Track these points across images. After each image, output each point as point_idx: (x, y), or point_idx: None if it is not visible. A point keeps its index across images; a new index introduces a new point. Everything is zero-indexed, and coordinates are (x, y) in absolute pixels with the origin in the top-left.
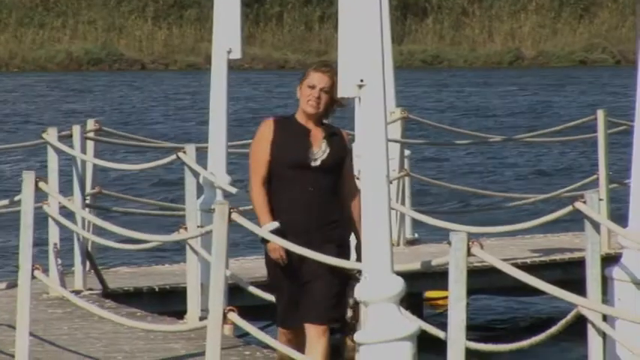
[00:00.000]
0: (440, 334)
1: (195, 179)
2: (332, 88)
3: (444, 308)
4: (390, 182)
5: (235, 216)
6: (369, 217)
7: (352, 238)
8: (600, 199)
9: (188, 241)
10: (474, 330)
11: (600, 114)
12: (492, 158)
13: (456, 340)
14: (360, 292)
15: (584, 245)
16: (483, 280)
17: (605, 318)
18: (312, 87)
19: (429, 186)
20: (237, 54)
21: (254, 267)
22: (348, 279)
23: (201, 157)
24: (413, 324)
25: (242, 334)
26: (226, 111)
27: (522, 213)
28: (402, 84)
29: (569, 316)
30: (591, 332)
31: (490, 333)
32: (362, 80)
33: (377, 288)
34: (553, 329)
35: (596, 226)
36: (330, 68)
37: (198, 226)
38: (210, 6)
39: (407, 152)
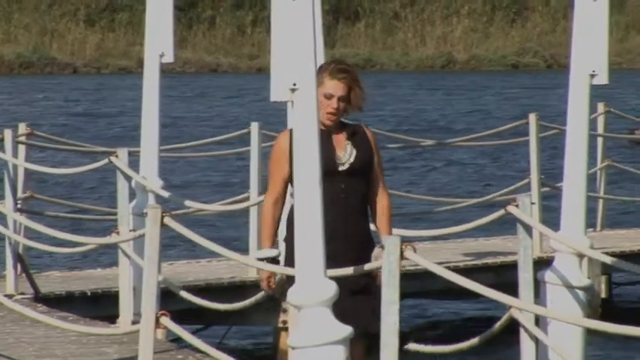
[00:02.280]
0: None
1: (128, 183)
2: (350, 93)
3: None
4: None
5: (168, 220)
6: (303, 220)
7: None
8: (532, 203)
9: (120, 245)
10: (408, 333)
11: (532, 118)
12: (425, 162)
13: (389, 343)
14: (292, 296)
15: (517, 249)
16: (417, 284)
17: (537, 322)
18: (329, 97)
19: None
20: (169, 58)
21: (186, 271)
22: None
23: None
24: (346, 327)
25: (175, 339)
26: (159, 115)
27: (456, 217)
28: None
29: (502, 319)
30: (524, 335)
31: (423, 336)
32: (295, 84)
33: (310, 292)
34: (488, 332)
35: (529, 229)
36: (346, 74)
37: (130, 230)
38: (142, 10)
39: None
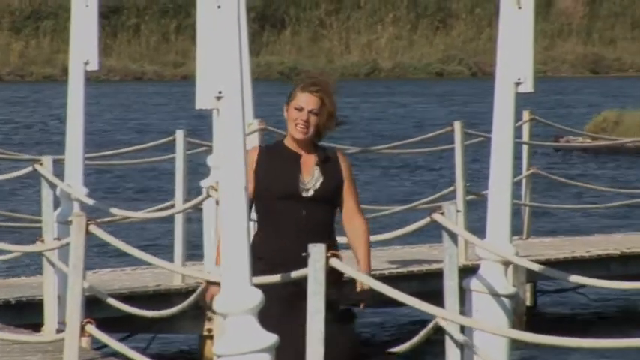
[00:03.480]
0: None
1: (53, 191)
2: (322, 109)
3: None
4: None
5: (93, 228)
6: (228, 228)
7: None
8: (458, 211)
9: (45, 253)
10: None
11: (457, 125)
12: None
13: (315, 351)
14: (217, 304)
15: (442, 256)
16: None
17: (463, 329)
18: (300, 109)
19: None
20: (94, 65)
21: (112, 279)
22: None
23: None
24: (271, 335)
25: (100, 346)
26: (83, 122)
27: (381, 224)
28: (260, 95)
29: (427, 328)
30: (449, 343)
31: None
32: (220, 92)
33: (235, 300)
34: (413, 341)
35: (454, 237)
36: (318, 87)
37: (55, 238)
38: (67, 17)
39: None
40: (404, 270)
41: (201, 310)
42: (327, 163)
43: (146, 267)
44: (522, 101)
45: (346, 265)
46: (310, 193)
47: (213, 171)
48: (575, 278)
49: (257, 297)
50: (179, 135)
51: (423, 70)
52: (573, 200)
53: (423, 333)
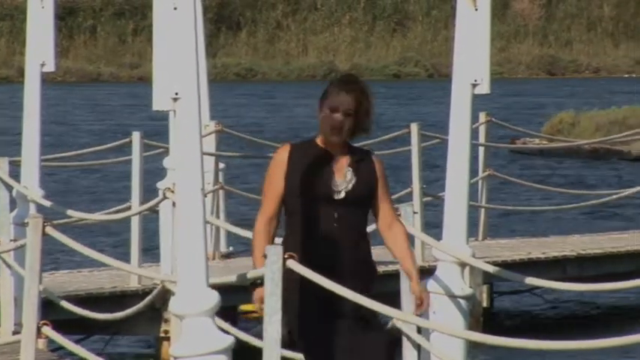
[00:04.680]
0: (257, 343)
1: (9, 192)
2: (358, 109)
3: (259, 321)
4: (205, 195)
5: (49, 229)
6: (184, 230)
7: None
8: (415, 212)
9: (1, 254)
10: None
11: (414, 127)
12: None
13: (271, 353)
14: (173, 305)
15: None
16: None
17: (419, 330)
18: (335, 109)
19: (245, 199)
20: (50, 67)
21: (68, 280)
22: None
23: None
24: (228, 337)
25: (56, 348)
26: (39, 124)
27: None
28: (216, 97)
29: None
30: (406, 345)
31: None
32: (177, 93)
33: (192, 301)
34: None
35: (411, 238)
36: (354, 86)
37: (11, 240)
38: (23, 19)
39: (221, 165)
40: None
41: (157, 312)
42: (361, 163)
43: (103, 269)
44: (479, 103)
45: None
46: (342, 194)
47: (169, 172)
48: (532, 280)
49: (213, 298)
50: (135, 137)
51: (379, 72)
52: (530, 202)
53: None
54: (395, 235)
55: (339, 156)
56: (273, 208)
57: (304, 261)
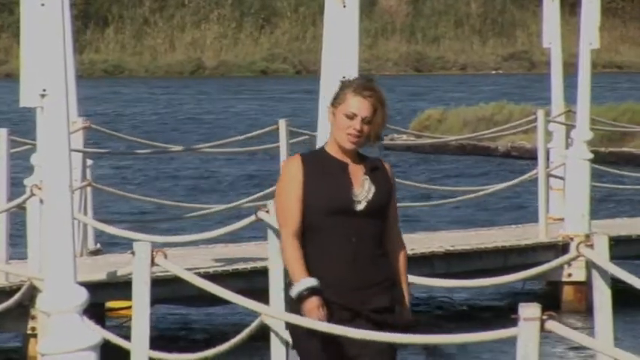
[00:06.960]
0: (124, 343)
1: None
2: (374, 116)
3: (127, 318)
4: (72, 192)
5: None
6: (52, 227)
7: None
8: None
9: None
10: (158, 340)
11: (282, 124)
12: (173, 168)
13: (139, 350)
14: (41, 302)
15: (268, 254)
16: (168, 290)
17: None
18: (352, 116)
19: (112, 196)
20: None
21: None
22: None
23: None
24: (96, 334)
25: None
26: None
27: (205, 223)
28: (83, 94)
29: (252, 325)
30: (274, 340)
31: (174, 343)
32: (44, 90)
33: (59, 298)
34: (237, 338)
35: (279, 234)
36: (372, 91)
37: None
38: None
39: (89, 162)
40: (229, 268)
41: (25, 309)
42: (376, 171)
43: None
44: None
45: (171, 264)
46: (363, 205)
47: (37, 169)
48: None
49: (82, 295)
50: (2, 133)
51: (247, 69)
52: (397, 198)
53: (246, 331)
54: (397, 251)
55: (353, 165)
56: (295, 222)
57: (327, 279)
